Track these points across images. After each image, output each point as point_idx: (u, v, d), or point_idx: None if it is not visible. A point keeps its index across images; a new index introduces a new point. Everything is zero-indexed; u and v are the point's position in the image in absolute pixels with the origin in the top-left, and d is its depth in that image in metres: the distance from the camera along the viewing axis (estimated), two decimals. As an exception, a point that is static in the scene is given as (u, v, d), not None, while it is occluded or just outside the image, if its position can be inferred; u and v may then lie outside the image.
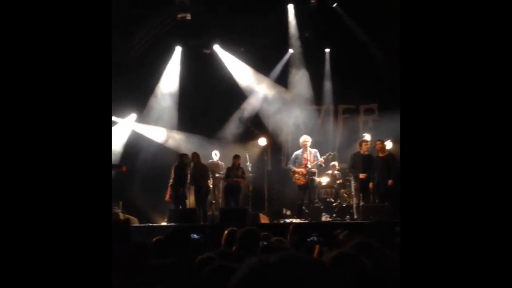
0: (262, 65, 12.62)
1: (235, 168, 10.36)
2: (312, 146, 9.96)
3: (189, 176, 10.09)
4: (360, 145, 9.83)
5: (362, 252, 1.66)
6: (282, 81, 12.71)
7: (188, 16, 12.12)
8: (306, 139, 9.92)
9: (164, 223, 9.34)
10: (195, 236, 6.58)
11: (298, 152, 9.93)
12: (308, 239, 5.62)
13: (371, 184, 9.62)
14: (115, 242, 2.98)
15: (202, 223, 9.29)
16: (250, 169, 10.83)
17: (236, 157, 10.49)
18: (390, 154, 9.90)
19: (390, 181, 9.54)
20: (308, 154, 9.76)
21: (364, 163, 9.61)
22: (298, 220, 9.33)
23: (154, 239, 3.71)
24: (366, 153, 9.70)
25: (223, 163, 11.08)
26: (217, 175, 10.83)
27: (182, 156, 10.29)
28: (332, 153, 10.30)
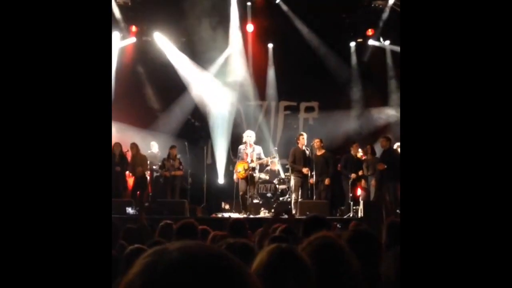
0: (203, 58, 12.37)
1: (171, 159, 10.15)
2: (254, 142, 9.93)
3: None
4: (298, 139, 9.93)
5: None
6: (224, 75, 12.56)
7: (129, 2, 11.69)
8: (248, 134, 9.89)
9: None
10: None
11: (242, 146, 9.89)
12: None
13: (311, 180, 9.75)
14: None
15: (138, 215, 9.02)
16: (189, 162, 10.65)
17: (173, 147, 10.26)
18: (327, 152, 10.08)
19: (327, 180, 9.75)
20: (250, 150, 9.74)
21: (304, 157, 9.73)
22: (236, 215, 9.27)
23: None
24: (304, 147, 9.82)
25: (160, 154, 10.89)
26: (154, 166, 10.59)
27: (116, 145, 9.91)
28: (274, 155, 10.32)
